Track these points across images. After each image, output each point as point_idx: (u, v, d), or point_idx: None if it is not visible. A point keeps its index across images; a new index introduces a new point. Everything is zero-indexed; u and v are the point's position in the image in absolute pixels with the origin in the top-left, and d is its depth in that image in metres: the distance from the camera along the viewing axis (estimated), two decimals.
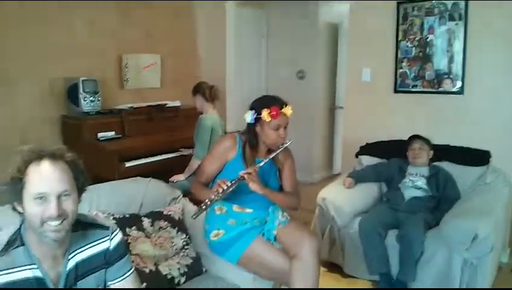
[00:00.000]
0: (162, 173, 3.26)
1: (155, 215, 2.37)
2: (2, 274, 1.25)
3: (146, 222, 2.30)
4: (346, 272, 3.24)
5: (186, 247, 2.32)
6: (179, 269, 2.18)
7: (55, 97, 3.67)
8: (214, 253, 2.29)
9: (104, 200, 2.33)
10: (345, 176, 3.58)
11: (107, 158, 3.44)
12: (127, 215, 2.29)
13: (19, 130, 3.35)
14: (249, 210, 2.29)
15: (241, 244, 2.19)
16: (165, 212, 2.41)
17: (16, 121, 3.37)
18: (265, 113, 2.18)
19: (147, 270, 2.07)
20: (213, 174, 2.31)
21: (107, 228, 1.48)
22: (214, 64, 5.04)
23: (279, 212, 2.33)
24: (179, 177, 3.54)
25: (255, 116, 2.23)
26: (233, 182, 2.10)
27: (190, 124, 3.85)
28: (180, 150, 3.86)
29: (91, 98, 3.61)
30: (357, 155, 3.93)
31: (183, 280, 2.17)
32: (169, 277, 2.13)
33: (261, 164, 2.20)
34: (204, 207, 2.10)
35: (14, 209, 1.32)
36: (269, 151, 2.30)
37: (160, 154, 3.77)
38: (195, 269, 2.26)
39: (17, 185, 1.26)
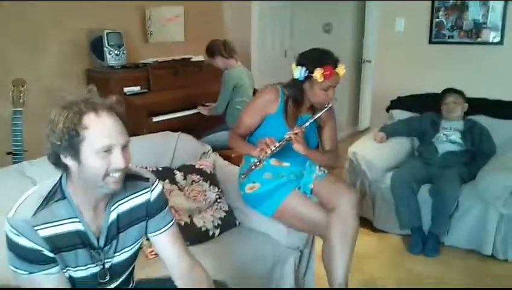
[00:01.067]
0: (189, 128, 3.22)
1: (187, 169, 2.34)
2: (44, 228, 1.23)
3: (178, 176, 2.28)
4: (376, 227, 3.22)
5: (219, 200, 2.30)
6: (212, 221, 2.17)
7: (79, 50, 3.60)
8: (248, 206, 2.26)
9: (136, 153, 2.24)
10: (376, 130, 3.50)
11: (135, 113, 3.40)
12: (160, 169, 2.27)
13: (44, 85, 3.32)
14: (286, 164, 2.23)
15: (276, 198, 2.15)
16: (196, 166, 2.38)
17: (40, 76, 3.33)
18: (318, 73, 2.04)
19: (182, 223, 2.07)
20: (252, 127, 2.23)
21: (147, 179, 1.44)
22: (237, 16, 4.88)
23: (316, 167, 2.28)
24: (202, 110, 3.69)
25: (305, 75, 2.09)
26: (280, 142, 2.02)
27: (215, 79, 3.78)
28: (206, 104, 3.80)
29: (116, 52, 3.54)
30: (388, 110, 3.82)
31: (217, 232, 2.17)
32: (203, 229, 2.12)
33: (307, 124, 2.10)
34: (254, 167, 2.06)
35: (57, 163, 1.27)
36: (312, 108, 2.20)
37: (187, 109, 3.72)
38: (229, 221, 2.25)
39: (72, 138, 1.18)
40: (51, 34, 3.41)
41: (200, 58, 4.15)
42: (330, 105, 2.12)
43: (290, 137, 2.03)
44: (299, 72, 2.08)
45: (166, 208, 1.47)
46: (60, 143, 1.18)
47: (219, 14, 4.85)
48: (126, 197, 1.39)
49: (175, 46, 4.28)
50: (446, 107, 3.31)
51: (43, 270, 1.23)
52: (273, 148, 2.00)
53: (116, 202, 1.37)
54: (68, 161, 1.22)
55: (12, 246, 1.21)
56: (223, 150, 3.06)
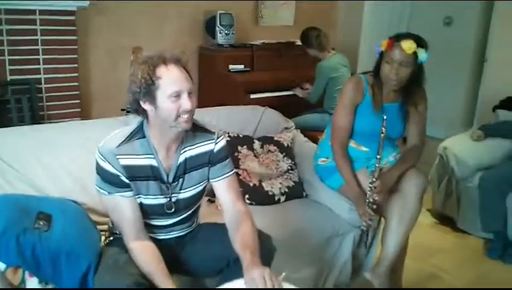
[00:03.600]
0: (284, 107, 3.38)
1: (266, 140, 2.55)
2: (124, 158, 1.53)
3: (257, 144, 2.50)
4: (458, 227, 3.12)
5: (290, 171, 2.47)
6: (280, 188, 2.36)
7: (196, 28, 4.01)
8: (318, 177, 2.39)
9: (223, 121, 2.57)
10: (476, 128, 3.35)
11: (235, 88, 3.71)
12: (241, 136, 2.51)
13: None
14: (364, 149, 2.28)
15: None
16: (275, 138, 2.58)
17: (159, 46, 3.78)
18: (384, 43, 2.10)
19: (251, 184, 2.30)
20: (350, 125, 2.21)
21: (213, 132, 1.68)
22: (351, 6, 4.92)
23: (391, 153, 2.31)
24: (297, 92, 3.86)
25: (379, 50, 2.13)
26: (371, 206, 2.08)
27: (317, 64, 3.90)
28: (305, 88, 3.94)
29: (226, 31, 3.88)
30: (494, 109, 3.60)
31: (283, 198, 2.35)
32: (270, 193, 2.32)
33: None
34: (366, 235, 2.18)
35: (137, 110, 1.54)
36: (397, 93, 2.20)
37: (284, 90, 3.92)
38: (296, 192, 2.41)
39: (149, 86, 1.47)
40: (173, 10, 3.85)
41: None
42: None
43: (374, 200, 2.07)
44: (376, 46, 2.16)
45: (227, 160, 1.70)
46: (139, 90, 1.48)
47: (334, 3, 4.93)
48: (194, 144, 1.64)
49: (283, 30, 4.50)
50: None
51: (119, 192, 1.54)
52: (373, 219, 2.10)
53: (186, 147, 1.63)
54: (146, 106, 1.51)
55: (99, 169, 1.54)
56: (312, 132, 3.21)
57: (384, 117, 2.04)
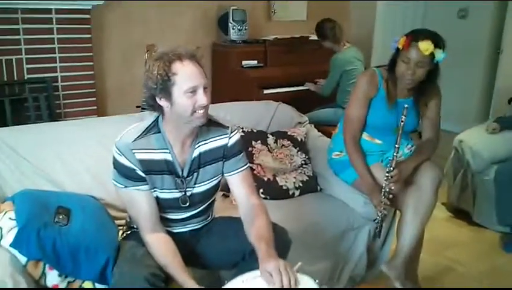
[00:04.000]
0: (297, 102, 3.38)
1: (279, 134, 2.57)
2: (140, 152, 1.56)
3: (270, 139, 2.52)
4: (474, 220, 3.09)
5: (304, 166, 2.48)
6: (294, 182, 2.37)
7: (209, 24, 4.03)
8: (332, 170, 2.39)
9: (237, 116, 2.58)
10: (491, 121, 3.31)
11: (248, 84, 3.73)
12: (255, 131, 2.53)
13: None
14: (378, 141, 2.28)
15: None
16: (289, 133, 2.59)
17: (172, 43, 3.82)
18: (400, 40, 2.08)
19: (265, 179, 2.31)
20: (363, 117, 2.21)
21: (227, 127, 1.70)
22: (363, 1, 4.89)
23: (406, 146, 2.31)
24: (310, 86, 3.88)
25: (396, 46, 2.11)
26: (384, 194, 2.07)
27: (330, 58, 3.89)
28: (317, 82, 3.94)
29: (239, 27, 3.89)
30: (510, 101, 3.56)
31: (297, 193, 2.36)
32: (284, 187, 2.33)
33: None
34: (380, 225, 2.16)
35: (153, 106, 1.57)
36: (411, 89, 2.18)
37: (298, 85, 3.92)
38: (311, 186, 2.42)
39: (165, 82, 1.48)
40: (186, 7, 3.88)
41: None
42: (406, 106, 2.04)
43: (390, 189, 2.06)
44: (393, 42, 2.13)
45: (241, 154, 1.72)
46: (155, 86, 1.50)
47: None
48: (208, 139, 1.66)
49: (296, 25, 4.50)
50: None
51: (135, 186, 1.57)
52: (383, 206, 2.08)
53: (200, 142, 1.65)
54: (162, 102, 1.53)
55: (115, 163, 1.57)
56: (326, 126, 3.20)
57: (406, 106, 2.03)
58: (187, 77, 1.49)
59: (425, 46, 2.00)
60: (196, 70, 1.51)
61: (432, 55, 2.03)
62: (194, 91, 1.49)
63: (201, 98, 1.50)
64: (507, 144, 3.13)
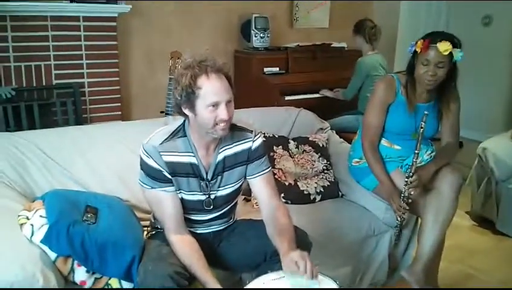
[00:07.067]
0: (319, 109, 3.39)
1: (301, 140, 2.59)
2: (167, 155, 1.61)
3: (292, 144, 2.54)
4: (498, 229, 3.05)
5: (326, 171, 2.49)
6: (315, 188, 2.38)
7: (231, 32, 4.09)
8: (352, 177, 2.40)
9: (259, 121, 2.59)
10: None
11: (270, 90, 3.76)
12: (276, 136, 2.56)
13: None
14: (397, 147, 2.28)
15: None
16: (310, 138, 2.61)
17: (195, 50, 3.89)
18: (418, 44, 2.10)
19: (286, 183, 2.33)
20: (381, 124, 2.23)
21: (251, 131, 1.73)
22: (387, 7, 4.88)
23: (426, 152, 2.30)
24: (325, 92, 3.89)
25: (413, 49, 2.13)
26: (403, 198, 2.09)
27: (353, 66, 3.89)
28: (337, 90, 3.94)
29: (261, 35, 3.93)
30: None
31: (318, 198, 2.37)
32: (305, 192, 2.35)
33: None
34: (399, 230, 2.23)
35: (180, 112, 1.62)
36: (430, 93, 2.19)
37: (319, 92, 3.93)
38: (332, 191, 2.43)
39: (190, 95, 1.53)
40: (209, 14, 3.94)
41: (342, 44, 4.32)
42: (426, 113, 2.05)
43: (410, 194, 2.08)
44: (410, 46, 2.16)
45: (264, 157, 1.74)
46: (180, 98, 1.55)
47: (369, 4, 4.91)
48: (232, 143, 1.70)
49: (319, 32, 4.53)
50: None
51: (162, 187, 1.62)
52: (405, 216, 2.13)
53: (224, 146, 1.69)
54: (187, 111, 1.58)
55: (143, 165, 1.62)
56: (348, 133, 3.20)
57: (426, 112, 2.04)
58: (211, 92, 1.52)
59: (444, 46, 2.02)
60: (221, 85, 1.54)
61: (451, 55, 2.05)
62: (216, 105, 1.53)
63: (223, 112, 1.53)
64: None
